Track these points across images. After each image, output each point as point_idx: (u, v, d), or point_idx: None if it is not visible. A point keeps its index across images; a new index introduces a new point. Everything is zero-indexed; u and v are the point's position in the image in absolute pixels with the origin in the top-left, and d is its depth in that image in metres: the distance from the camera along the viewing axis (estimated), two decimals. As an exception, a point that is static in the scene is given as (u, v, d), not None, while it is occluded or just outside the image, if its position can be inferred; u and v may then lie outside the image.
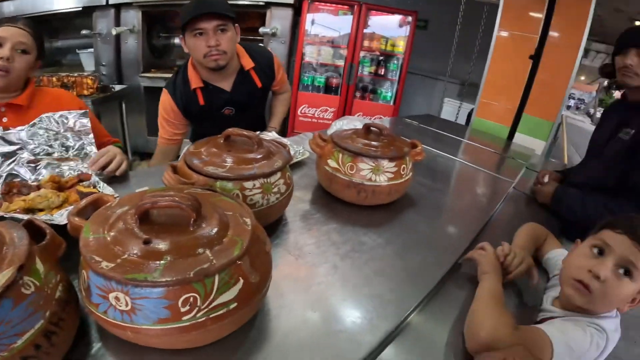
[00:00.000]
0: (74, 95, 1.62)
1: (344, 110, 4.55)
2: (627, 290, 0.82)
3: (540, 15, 2.89)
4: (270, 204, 1.03)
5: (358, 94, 4.68)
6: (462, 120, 4.44)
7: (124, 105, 3.90)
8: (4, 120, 1.35)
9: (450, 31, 4.26)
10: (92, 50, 4.02)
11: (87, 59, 4.07)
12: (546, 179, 1.74)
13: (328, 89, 4.63)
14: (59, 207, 0.99)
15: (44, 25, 3.97)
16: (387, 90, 4.74)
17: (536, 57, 2.94)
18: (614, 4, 4.58)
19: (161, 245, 0.61)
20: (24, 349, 0.53)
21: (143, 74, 4.06)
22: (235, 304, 0.63)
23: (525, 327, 0.83)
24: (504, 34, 3.10)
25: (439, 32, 5.07)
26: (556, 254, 1.15)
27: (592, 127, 2.04)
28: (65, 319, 0.61)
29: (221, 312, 0.62)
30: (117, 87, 3.77)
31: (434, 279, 1.03)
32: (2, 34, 1.27)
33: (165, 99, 1.82)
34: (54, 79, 3.18)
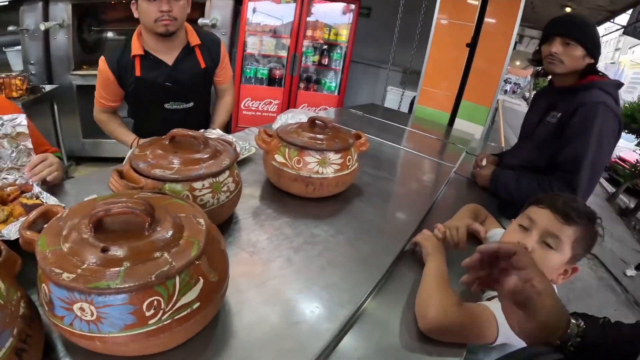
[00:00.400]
0: (7, 99, 1.52)
1: (289, 102, 4.50)
2: (554, 261, 0.91)
3: (476, 3, 3.00)
4: (220, 202, 1.04)
5: (302, 85, 4.64)
6: (405, 108, 4.52)
7: (55, 107, 3.69)
8: None
9: (392, 19, 4.28)
10: (19, 47, 3.76)
11: (14, 57, 3.81)
12: (484, 162, 1.85)
13: (271, 80, 4.55)
14: (5, 221, 0.95)
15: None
16: (332, 80, 4.75)
17: (472, 45, 3.07)
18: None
19: (119, 252, 0.62)
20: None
21: (75, 72, 3.85)
22: (198, 304, 0.66)
23: (471, 304, 0.89)
24: (443, 21, 3.19)
25: (381, 19, 5.12)
26: (496, 233, 1.23)
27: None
28: (33, 335, 0.61)
29: (185, 312, 0.64)
30: (48, 87, 3.57)
31: (385, 264, 1.09)
32: None
33: (102, 67, 1.78)
34: (-19, 81, 2.97)
